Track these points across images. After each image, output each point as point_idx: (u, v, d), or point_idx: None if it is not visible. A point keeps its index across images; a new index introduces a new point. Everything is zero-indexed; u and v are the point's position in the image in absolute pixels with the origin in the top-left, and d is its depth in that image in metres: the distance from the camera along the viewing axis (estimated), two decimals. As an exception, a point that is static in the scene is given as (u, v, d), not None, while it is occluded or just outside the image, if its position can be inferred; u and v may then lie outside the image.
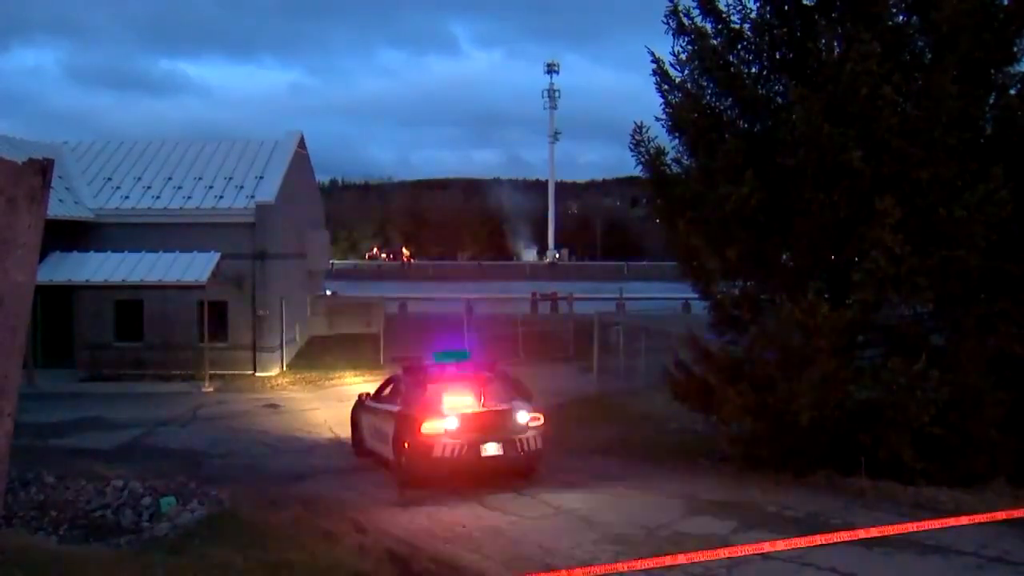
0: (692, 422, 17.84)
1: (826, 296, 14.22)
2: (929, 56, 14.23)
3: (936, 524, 9.54)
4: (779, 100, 15.17)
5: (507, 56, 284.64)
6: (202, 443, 19.36)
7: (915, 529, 10.02)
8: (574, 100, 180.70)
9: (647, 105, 17.34)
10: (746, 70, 15.47)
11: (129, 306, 29.49)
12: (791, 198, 14.20)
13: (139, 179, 31.56)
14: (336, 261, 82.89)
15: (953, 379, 13.21)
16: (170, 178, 31.53)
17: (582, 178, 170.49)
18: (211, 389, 26.54)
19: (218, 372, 27.75)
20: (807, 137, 13.50)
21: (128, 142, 34.67)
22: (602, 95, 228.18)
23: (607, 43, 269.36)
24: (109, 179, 31.60)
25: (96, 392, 26.00)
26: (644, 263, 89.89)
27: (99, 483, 12.74)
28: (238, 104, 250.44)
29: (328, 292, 42.03)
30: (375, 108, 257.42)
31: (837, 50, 14.07)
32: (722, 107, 15.74)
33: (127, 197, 30.59)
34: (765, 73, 15.50)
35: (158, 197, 30.56)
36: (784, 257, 15.79)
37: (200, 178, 31.44)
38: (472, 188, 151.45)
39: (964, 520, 9.71)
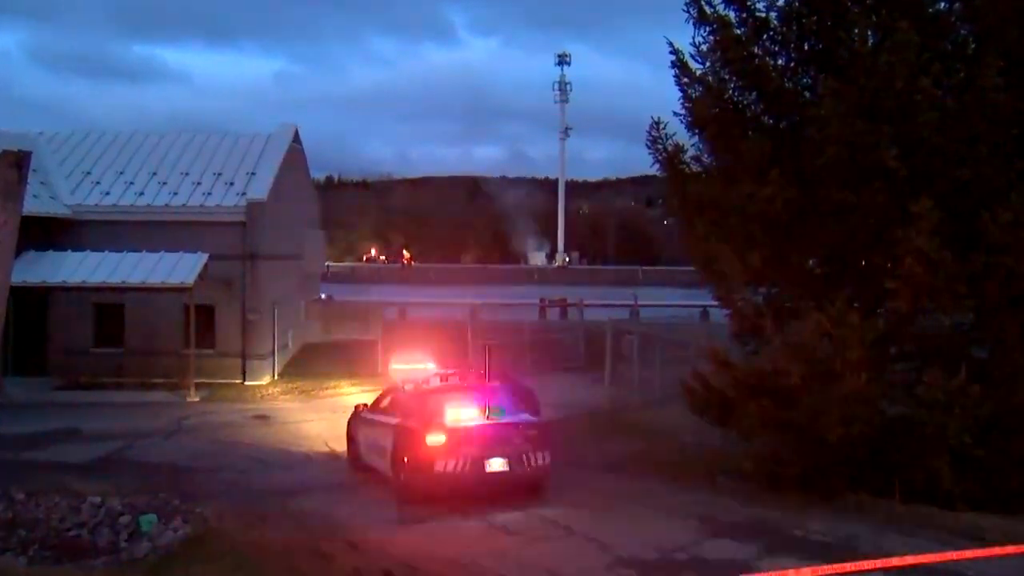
0: (710, 438, 17.73)
1: (856, 305, 14.13)
2: (972, 46, 14.13)
3: (978, 553, 9.43)
4: (807, 94, 15.11)
5: (506, 44, 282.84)
6: (186, 457, 19.30)
7: (955, 559, 9.89)
8: (580, 93, 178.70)
9: (662, 99, 17.27)
10: (772, 62, 15.42)
11: (109, 309, 29.41)
12: (819, 199, 14.13)
13: (121, 173, 31.47)
14: (332, 263, 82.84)
15: (995, 395, 13.09)
16: (154, 173, 31.43)
17: (592, 176, 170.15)
18: (197, 399, 26.47)
19: (204, 381, 27.66)
20: (837, 134, 13.41)
21: (109, 133, 34.61)
22: (611, 87, 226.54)
23: (615, 31, 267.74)
24: (88, 173, 31.51)
25: (72, 401, 25.87)
26: (660, 268, 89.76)
27: (74, 500, 12.72)
28: (221, 94, 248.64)
29: (323, 296, 42.06)
30: (369, 100, 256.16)
31: (871, 40, 13.96)
32: (746, 102, 15.70)
33: (108, 193, 30.51)
34: (792, 65, 15.45)
35: (141, 193, 30.48)
36: (811, 263, 15.78)
37: (187, 173, 31.38)
38: (475, 186, 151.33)
39: (1010, 550, 9.56)
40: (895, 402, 13.63)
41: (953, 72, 13.72)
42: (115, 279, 26.94)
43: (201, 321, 27.97)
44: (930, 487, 13.52)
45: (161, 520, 12.11)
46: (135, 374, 28.41)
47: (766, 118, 15.72)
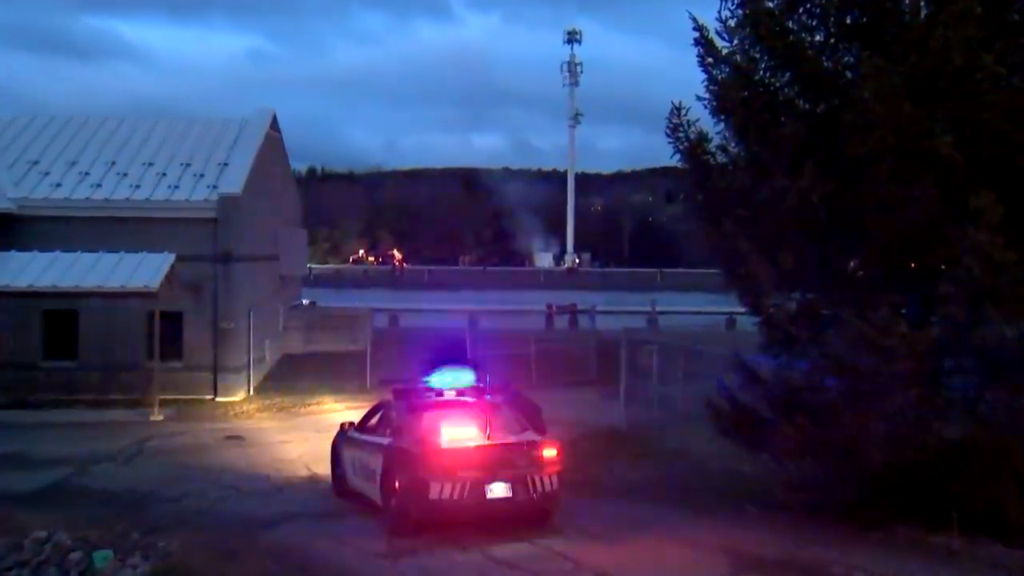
0: (739, 461, 17.81)
1: (904, 312, 14.04)
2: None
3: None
4: (849, 74, 14.99)
5: (507, 20, 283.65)
6: (148, 483, 19.19)
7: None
8: (592, 75, 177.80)
9: (684, 81, 17.23)
10: (809, 38, 15.34)
11: (60, 317, 29.20)
12: (862, 193, 14.05)
13: (74, 164, 31.39)
14: (315, 265, 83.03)
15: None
16: (113, 163, 31.41)
17: (605, 168, 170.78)
18: (161, 418, 26.40)
19: (170, 397, 27.61)
20: (884, 119, 13.26)
21: (59, 118, 34.61)
22: (626, 69, 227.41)
23: (631, 5, 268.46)
24: (36, 163, 31.40)
25: (16, 422, 25.60)
26: (681, 270, 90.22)
27: (15, 535, 12.59)
28: (188, 74, 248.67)
29: (305, 302, 42.14)
30: (355, 83, 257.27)
31: (924, 11, 13.89)
32: (779, 84, 15.67)
33: (59, 185, 30.40)
34: (832, 41, 15.32)
35: (98, 185, 30.41)
36: (852, 264, 15.68)
37: (151, 164, 31.36)
38: (474, 179, 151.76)
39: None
40: (951, 422, 13.50)
41: (1019, 47, 13.52)
42: (67, 283, 26.76)
43: (167, 330, 27.88)
44: (993, 519, 13.43)
45: (118, 556, 12.02)
46: (90, 390, 28.33)
47: (802, 102, 15.66)
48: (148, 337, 27.58)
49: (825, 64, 15.21)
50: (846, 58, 15.24)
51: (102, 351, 28.95)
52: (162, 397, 26.92)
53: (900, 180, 13.45)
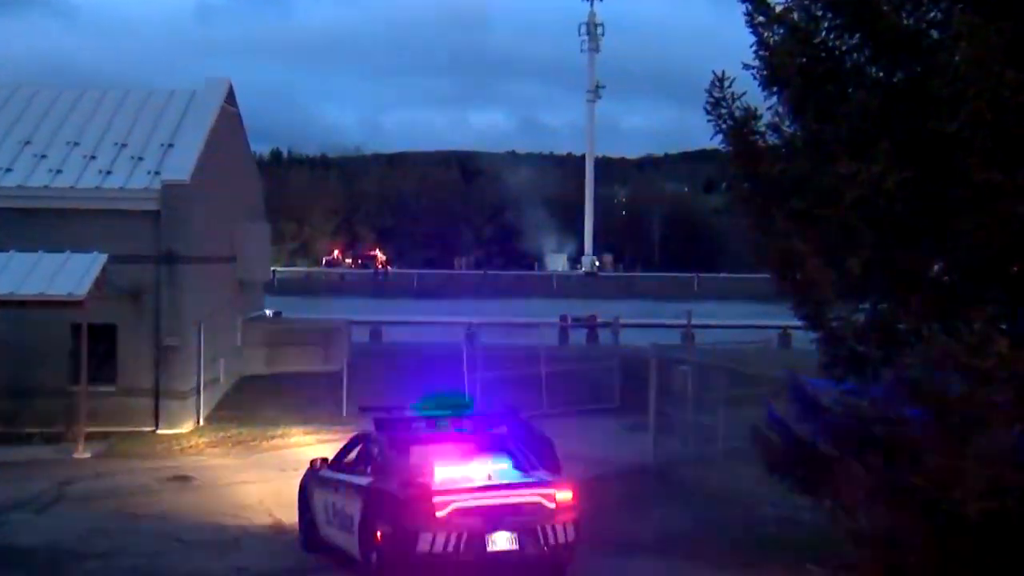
0: (795, 508, 17.50)
1: (1004, 327, 13.68)
2: None
3: None
4: (934, 34, 14.68)
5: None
6: (70, 537, 19.05)
7: None
8: (616, 38, 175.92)
9: (728, 46, 16.98)
10: (884, -10, 15.06)
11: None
12: (950, 180, 13.72)
13: (-23, 142, 31.29)
14: (280, 268, 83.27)
15: None
16: (28, 142, 31.36)
17: (631, 152, 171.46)
18: (88, 455, 26.28)
19: (101, 429, 27.62)
20: (979, 88, 12.94)
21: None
22: (657, 31, 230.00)
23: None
24: (-74, 140, 31.33)
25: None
26: (722, 275, 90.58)
27: None
28: (121, 34, 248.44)
29: (268, 313, 42.26)
30: (329, 48, 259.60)
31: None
32: (845, 47, 15.27)
33: (-42, 169, 30.26)
34: (914, -6, 15.07)
35: (9, 170, 30.32)
36: (936, 268, 15.36)
37: (76, 143, 31.35)
38: (473, 166, 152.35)
39: None
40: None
41: None
42: (-30, 289, 26.58)
43: (97, 347, 27.89)
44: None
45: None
46: (-1, 422, 28.04)
47: (874, 69, 15.28)
48: (73, 356, 27.46)
49: (905, 22, 14.92)
50: (932, 14, 14.95)
51: (14, 373, 28.36)
52: (90, 429, 26.84)
53: (999, 164, 13.19)
